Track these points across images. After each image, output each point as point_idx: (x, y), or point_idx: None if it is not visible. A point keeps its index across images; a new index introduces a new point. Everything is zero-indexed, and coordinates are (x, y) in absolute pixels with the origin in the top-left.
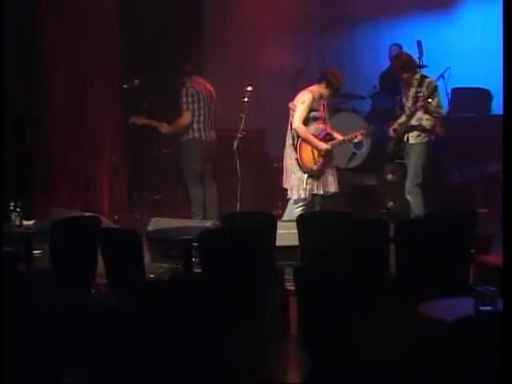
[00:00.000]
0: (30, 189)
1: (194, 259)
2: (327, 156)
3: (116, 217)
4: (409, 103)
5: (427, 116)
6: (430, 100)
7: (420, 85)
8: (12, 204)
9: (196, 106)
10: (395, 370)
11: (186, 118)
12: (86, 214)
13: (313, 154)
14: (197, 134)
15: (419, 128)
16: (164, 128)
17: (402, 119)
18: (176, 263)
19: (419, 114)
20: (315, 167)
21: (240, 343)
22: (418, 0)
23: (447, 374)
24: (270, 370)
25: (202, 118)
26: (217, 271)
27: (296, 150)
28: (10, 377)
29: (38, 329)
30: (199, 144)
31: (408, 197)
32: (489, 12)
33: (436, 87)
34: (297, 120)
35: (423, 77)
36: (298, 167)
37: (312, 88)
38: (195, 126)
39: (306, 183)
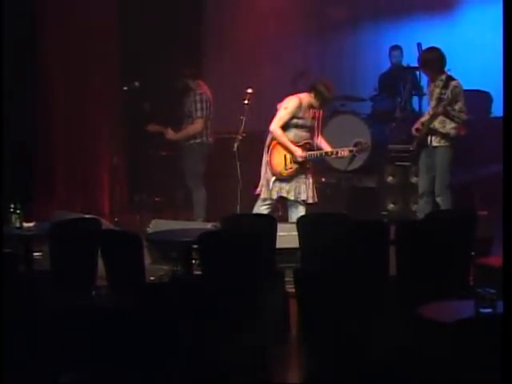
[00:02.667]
0: (30, 190)
1: (194, 261)
2: (302, 164)
3: (116, 218)
4: (433, 103)
5: (449, 125)
6: (450, 108)
7: (445, 86)
8: (12, 206)
9: (207, 112)
10: (395, 372)
11: (198, 125)
12: (86, 215)
13: (285, 158)
14: (204, 139)
15: (442, 131)
16: (170, 135)
17: (425, 118)
18: (176, 265)
19: (442, 116)
20: (285, 172)
21: (240, 344)
22: (419, 2)
23: (447, 375)
24: (270, 371)
25: (209, 123)
26: (217, 273)
27: (268, 151)
28: (9, 377)
29: (38, 330)
30: (205, 148)
31: (438, 199)
32: (489, 14)
33: (460, 91)
34: (274, 123)
35: (449, 78)
36: (267, 168)
37: (301, 95)
38: (205, 131)
39: (273, 185)
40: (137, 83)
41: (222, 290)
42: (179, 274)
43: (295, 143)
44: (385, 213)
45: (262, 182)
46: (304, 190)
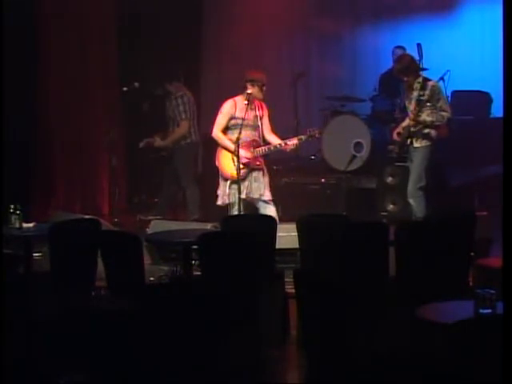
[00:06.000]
0: (30, 191)
1: (193, 262)
2: (251, 162)
3: (116, 219)
4: (412, 106)
5: (431, 119)
6: (429, 104)
7: (423, 88)
8: (12, 206)
9: (191, 112)
10: (395, 373)
11: (184, 128)
12: (86, 216)
13: (233, 160)
14: (194, 138)
15: (423, 131)
16: (158, 142)
17: (406, 123)
18: (176, 266)
19: (423, 116)
20: (235, 174)
21: (240, 345)
22: (419, 3)
23: (447, 376)
24: (270, 372)
25: (195, 122)
26: (217, 274)
27: (216, 157)
28: (8, 378)
29: (37, 331)
30: (195, 147)
31: (410, 200)
32: (489, 15)
33: (439, 90)
34: (214, 128)
35: (426, 80)
36: (220, 175)
37: (236, 97)
38: (192, 129)
39: (230, 189)
40: (136, 84)
41: (222, 291)
42: (179, 274)
43: (240, 143)
44: (384, 213)
45: (221, 189)
46: (256, 187)
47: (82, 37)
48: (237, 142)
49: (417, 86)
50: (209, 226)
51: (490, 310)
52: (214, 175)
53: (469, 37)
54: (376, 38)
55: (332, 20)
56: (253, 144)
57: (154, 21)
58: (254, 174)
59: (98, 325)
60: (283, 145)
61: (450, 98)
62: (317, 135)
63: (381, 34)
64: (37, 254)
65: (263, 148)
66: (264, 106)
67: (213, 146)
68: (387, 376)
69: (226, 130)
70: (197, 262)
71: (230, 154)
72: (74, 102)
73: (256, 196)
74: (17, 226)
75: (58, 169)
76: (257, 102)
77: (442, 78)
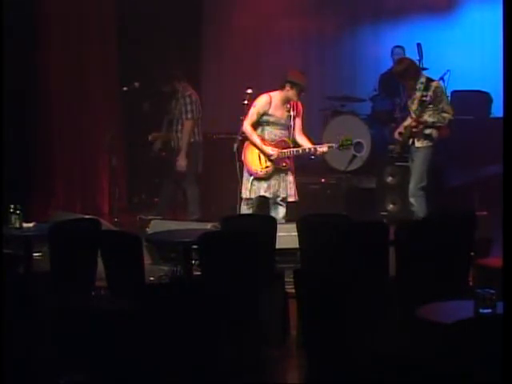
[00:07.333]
0: (30, 191)
1: (193, 262)
2: (277, 162)
3: (116, 219)
4: (414, 107)
5: (433, 119)
6: (432, 105)
7: (426, 89)
8: (12, 206)
9: (197, 113)
10: (395, 373)
11: (189, 127)
12: (86, 216)
13: (259, 157)
14: (197, 138)
15: (425, 131)
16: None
17: (407, 122)
18: (176, 266)
19: (425, 117)
20: (260, 171)
21: (240, 345)
22: (419, 3)
23: (447, 376)
24: (270, 372)
25: (199, 122)
26: (217, 274)
27: (241, 152)
28: (9, 378)
29: (37, 331)
30: (199, 146)
31: (411, 200)
32: (488, 15)
33: (442, 91)
34: (245, 122)
35: (429, 80)
36: (245, 170)
37: (272, 93)
38: (196, 129)
39: (251, 184)
40: (136, 84)
41: (222, 291)
42: (179, 274)
43: (269, 141)
44: (384, 213)
45: (244, 182)
46: (283, 188)
47: (82, 37)
48: (240, 143)
49: (420, 86)
50: (209, 226)
51: (490, 310)
52: (214, 175)
53: (469, 37)
54: (376, 38)
55: (332, 20)
56: (281, 144)
57: (153, 21)
58: (282, 174)
59: (98, 325)
60: (313, 150)
61: (449, 98)
62: (351, 147)
63: (381, 34)
64: (37, 254)
65: (290, 150)
66: (299, 105)
67: (213, 146)
68: (387, 376)
69: (256, 125)
70: (197, 261)
71: (256, 151)
72: (74, 101)
73: (282, 196)
74: (17, 225)
75: (58, 169)
76: (292, 101)
77: (442, 78)
